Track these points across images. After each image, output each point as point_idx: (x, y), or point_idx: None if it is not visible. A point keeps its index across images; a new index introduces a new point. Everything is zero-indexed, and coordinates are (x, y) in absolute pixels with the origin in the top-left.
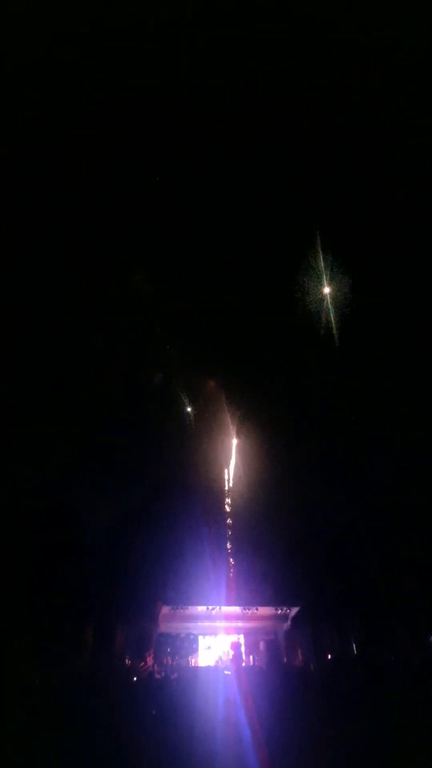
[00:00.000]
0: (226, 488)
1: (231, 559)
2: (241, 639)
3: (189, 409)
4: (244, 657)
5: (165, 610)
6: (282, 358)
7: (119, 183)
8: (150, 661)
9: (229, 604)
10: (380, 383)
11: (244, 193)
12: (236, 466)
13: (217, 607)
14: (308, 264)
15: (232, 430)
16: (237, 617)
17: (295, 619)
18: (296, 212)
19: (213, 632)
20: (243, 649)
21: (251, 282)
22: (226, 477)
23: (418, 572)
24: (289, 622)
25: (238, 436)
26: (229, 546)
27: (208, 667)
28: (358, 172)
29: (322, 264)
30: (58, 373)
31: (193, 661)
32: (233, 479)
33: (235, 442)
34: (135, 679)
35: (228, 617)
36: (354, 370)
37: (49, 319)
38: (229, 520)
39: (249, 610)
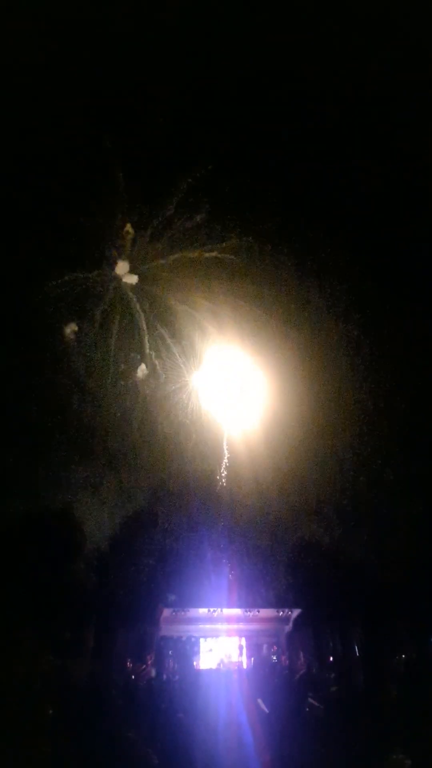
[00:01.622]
0: (223, 483)
1: (232, 562)
2: (243, 642)
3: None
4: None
5: (166, 612)
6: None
7: None
8: (151, 663)
9: (230, 606)
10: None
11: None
12: (234, 459)
13: (219, 610)
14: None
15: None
16: (238, 620)
17: (296, 621)
18: None
19: (214, 635)
20: (244, 651)
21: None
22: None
23: (421, 573)
24: (290, 625)
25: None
26: (230, 548)
27: (210, 670)
28: None
29: None
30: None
31: (195, 663)
32: (232, 475)
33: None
34: (135, 680)
35: (229, 620)
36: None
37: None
38: (230, 522)
39: (250, 612)
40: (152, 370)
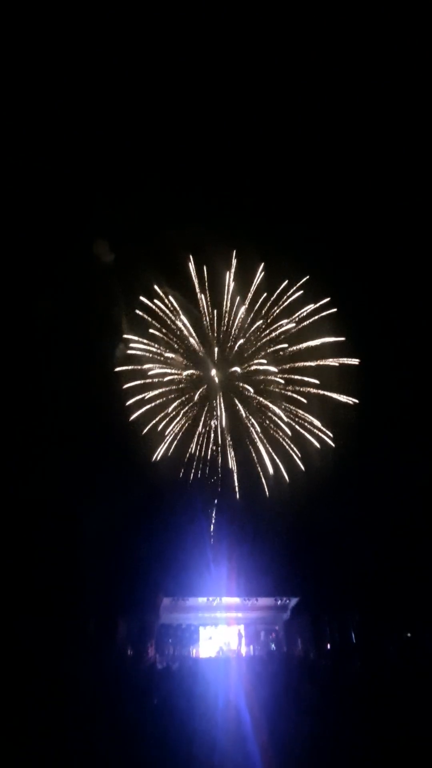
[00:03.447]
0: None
1: (231, 551)
2: (242, 629)
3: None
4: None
5: (166, 601)
6: None
7: None
8: (151, 651)
9: (229, 595)
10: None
11: None
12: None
13: (218, 599)
14: None
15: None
16: (237, 608)
17: (294, 609)
18: None
19: (214, 623)
20: (243, 639)
21: None
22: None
23: (417, 562)
24: (288, 613)
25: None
26: (229, 537)
27: (209, 658)
28: None
29: None
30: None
31: (194, 651)
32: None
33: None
34: (136, 667)
35: (228, 608)
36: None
37: None
38: (228, 511)
39: (249, 600)
40: (132, 353)
